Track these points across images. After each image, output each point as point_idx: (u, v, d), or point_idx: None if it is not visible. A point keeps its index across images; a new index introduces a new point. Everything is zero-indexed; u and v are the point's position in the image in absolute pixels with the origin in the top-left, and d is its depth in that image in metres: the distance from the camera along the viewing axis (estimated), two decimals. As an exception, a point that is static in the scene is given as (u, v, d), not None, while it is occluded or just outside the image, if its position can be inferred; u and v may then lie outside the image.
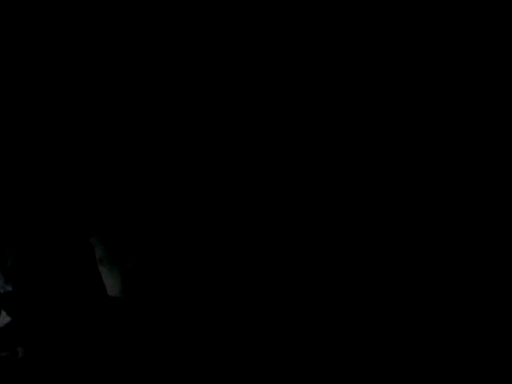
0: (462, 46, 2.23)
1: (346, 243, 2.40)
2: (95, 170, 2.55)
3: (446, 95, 2.29)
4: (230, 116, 2.45)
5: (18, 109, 2.49)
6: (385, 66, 2.32)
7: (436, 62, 2.28)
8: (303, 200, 2.44)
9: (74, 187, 2.53)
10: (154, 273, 2.54)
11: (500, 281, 2.23)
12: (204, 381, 2.39)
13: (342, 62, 2.34)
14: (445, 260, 2.29)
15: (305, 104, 2.42)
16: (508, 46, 2.16)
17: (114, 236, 2.55)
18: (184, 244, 2.53)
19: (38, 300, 2.44)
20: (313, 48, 2.36)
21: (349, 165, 2.39)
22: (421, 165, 2.33)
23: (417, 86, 2.32)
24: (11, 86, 2.47)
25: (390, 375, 2.26)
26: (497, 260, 2.23)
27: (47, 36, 2.45)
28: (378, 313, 2.34)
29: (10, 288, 2.44)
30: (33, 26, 2.43)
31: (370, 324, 2.33)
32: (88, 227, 2.53)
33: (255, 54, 2.42)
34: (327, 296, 2.39)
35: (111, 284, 2.53)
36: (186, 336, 2.46)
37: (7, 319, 2.39)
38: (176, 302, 2.50)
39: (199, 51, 2.47)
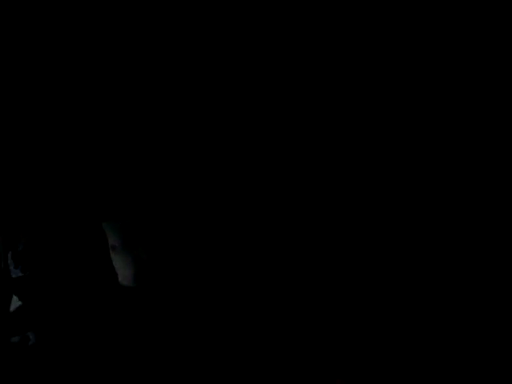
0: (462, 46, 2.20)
1: (344, 243, 2.39)
2: (109, 154, 2.53)
3: (446, 95, 2.26)
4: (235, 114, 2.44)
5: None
6: (384, 66, 2.29)
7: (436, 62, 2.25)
8: (303, 200, 2.43)
9: (87, 172, 2.51)
10: (168, 263, 2.52)
11: (500, 281, 2.22)
12: (214, 372, 2.39)
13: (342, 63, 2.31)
14: (444, 260, 2.29)
15: (304, 104, 2.40)
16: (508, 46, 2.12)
17: (127, 223, 2.52)
18: (199, 235, 2.51)
19: (48, 286, 2.43)
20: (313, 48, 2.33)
21: (348, 165, 2.37)
22: (420, 165, 2.31)
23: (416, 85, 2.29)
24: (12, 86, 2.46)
25: (390, 374, 2.25)
26: (496, 260, 2.23)
27: (47, 36, 2.43)
28: (377, 312, 2.33)
29: (21, 273, 2.43)
30: (33, 26, 2.41)
31: (369, 323, 2.33)
32: (101, 213, 2.51)
33: (255, 54, 2.39)
34: (327, 296, 2.38)
35: (123, 273, 2.52)
36: (198, 329, 2.45)
37: (18, 304, 2.38)
38: (188, 294, 2.49)
39: (199, 51, 2.44)
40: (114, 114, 2.50)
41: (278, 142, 2.40)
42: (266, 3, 2.30)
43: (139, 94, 2.50)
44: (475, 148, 2.20)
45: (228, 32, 2.37)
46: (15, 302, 2.40)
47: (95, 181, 2.51)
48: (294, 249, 2.44)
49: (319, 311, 2.38)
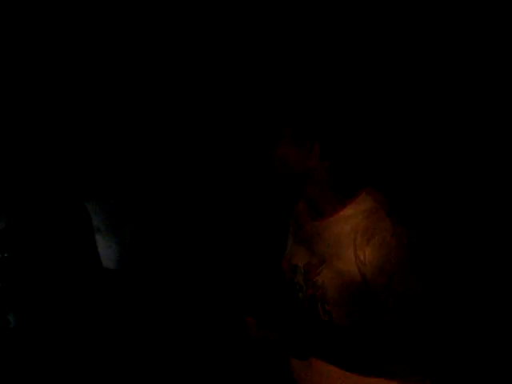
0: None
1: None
2: (95, 133, 2.45)
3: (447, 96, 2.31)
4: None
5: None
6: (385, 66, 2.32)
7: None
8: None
9: (71, 151, 2.43)
10: (152, 246, 2.45)
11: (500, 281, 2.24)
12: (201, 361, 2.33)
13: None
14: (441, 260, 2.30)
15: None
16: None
17: (112, 205, 2.45)
18: (185, 219, 2.45)
19: (30, 267, 2.31)
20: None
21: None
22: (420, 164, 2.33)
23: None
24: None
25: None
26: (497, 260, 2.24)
27: (47, 36, 2.38)
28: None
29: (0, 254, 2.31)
30: (33, 27, 2.37)
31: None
32: (86, 192, 2.42)
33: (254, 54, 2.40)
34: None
35: (107, 255, 2.43)
36: (182, 314, 2.39)
37: (-3, 285, 2.27)
38: (173, 278, 2.42)
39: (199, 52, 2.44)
40: (101, 100, 2.44)
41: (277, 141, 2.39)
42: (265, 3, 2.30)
43: (125, 83, 2.45)
44: (475, 148, 2.23)
45: (228, 32, 2.36)
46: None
47: (80, 160, 2.43)
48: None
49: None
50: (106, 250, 2.42)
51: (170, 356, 2.32)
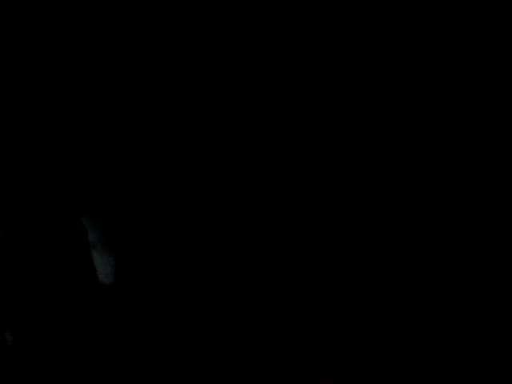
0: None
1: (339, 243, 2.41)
2: (91, 149, 2.42)
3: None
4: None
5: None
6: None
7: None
8: (302, 200, 2.44)
9: (68, 164, 2.39)
10: (150, 261, 2.42)
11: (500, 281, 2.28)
12: (199, 372, 2.29)
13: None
14: (438, 260, 2.34)
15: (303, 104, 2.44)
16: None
17: (108, 220, 2.41)
18: (183, 231, 2.43)
19: (24, 283, 2.25)
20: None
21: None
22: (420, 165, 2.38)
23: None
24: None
25: (380, 375, 2.26)
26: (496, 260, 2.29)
27: (48, 36, 2.37)
28: (367, 313, 2.35)
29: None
30: (33, 27, 2.35)
31: (359, 324, 2.34)
32: (81, 207, 2.38)
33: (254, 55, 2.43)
34: (316, 296, 2.38)
35: (103, 271, 2.38)
36: (182, 329, 2.35)
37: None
38: (172, 292, 2.39)
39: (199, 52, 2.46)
40: (98, 107, 2.42)
41: (277, 141, 2.41)
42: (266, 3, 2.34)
43: (122, 84, 2.44)
44: (475, 148, 2.28)
45: (228, 32, 2.39)
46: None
47: (75, 173, 2.40)
48: (277, 248, 2.42)
49: (309, 311, 2.36)
50: (102, 266, 2.38)
51: (166, 368, 2.28)
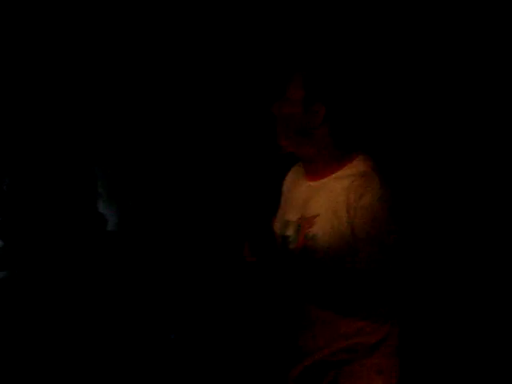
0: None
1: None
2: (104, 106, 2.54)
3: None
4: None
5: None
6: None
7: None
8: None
9: (79, 116, 2.50)
10: (153, 212, 2.51)
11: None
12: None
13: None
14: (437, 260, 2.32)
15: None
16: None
17: (116, 172, 2.52)
18: (186, 192, 2.51)
19: (33, 229, 2.38)
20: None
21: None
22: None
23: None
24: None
25: None
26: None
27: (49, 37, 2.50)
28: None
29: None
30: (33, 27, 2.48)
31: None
32: (93, 156, 2.49)
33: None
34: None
35: (108, 218, 2.52)
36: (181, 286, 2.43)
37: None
38: (173, 247, 2.47)
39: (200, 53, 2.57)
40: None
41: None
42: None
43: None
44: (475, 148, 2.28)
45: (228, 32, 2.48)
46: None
47: (86, 126, 2.51)
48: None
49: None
50: (108, 214, 2.51)
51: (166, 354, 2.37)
